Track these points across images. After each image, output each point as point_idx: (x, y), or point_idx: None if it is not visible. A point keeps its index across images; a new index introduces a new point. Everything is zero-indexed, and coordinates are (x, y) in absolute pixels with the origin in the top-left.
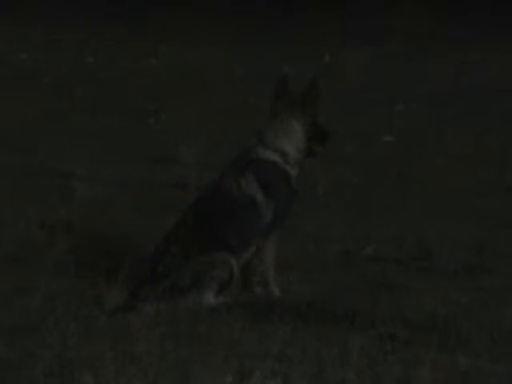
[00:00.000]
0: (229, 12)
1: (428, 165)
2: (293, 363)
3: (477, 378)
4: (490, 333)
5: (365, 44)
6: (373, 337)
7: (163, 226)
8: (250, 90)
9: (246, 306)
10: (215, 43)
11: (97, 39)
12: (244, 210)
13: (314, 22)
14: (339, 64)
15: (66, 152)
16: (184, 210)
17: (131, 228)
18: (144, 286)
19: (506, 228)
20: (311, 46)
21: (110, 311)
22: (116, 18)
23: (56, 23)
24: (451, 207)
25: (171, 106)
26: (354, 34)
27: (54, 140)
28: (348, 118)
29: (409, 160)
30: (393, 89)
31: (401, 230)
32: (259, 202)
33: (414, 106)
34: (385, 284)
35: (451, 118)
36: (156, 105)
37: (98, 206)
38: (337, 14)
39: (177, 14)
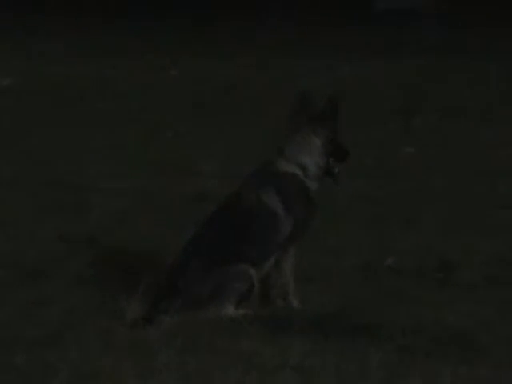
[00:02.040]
0: (250, 22)
1: (448, 177)
2: (312, 375)
3: None
4: (510, 345)
5: (385, 56)
6: (392, 349)
7: (183, 238)
8: (267, 102)
9: (265, 318)
10: (235, 55)
11: (115, 52)
12: (263, 222)
13: (332, 35)
14: (358, 76)
15: (85, 165)
16: (203, 222)
17: (151, 240)
18: (164, 298)
19: None
20: (330, 58)
21: (130, 324)
22: (135, 30)
23: (75, 36)
24: (472, 219)
25: (190, 118)
26: (373, 46)
27: (74, 153)
28: (368, 129)
29: (429, 172)
30: (413, 100)
31: (421, 242)
32: (279, 214)
33: (434, 117)
34: (405, 296)
35: (470, 129)
36: (174, 117)
37: (117, 218)
38: (356, 26)
39: (196, 26)
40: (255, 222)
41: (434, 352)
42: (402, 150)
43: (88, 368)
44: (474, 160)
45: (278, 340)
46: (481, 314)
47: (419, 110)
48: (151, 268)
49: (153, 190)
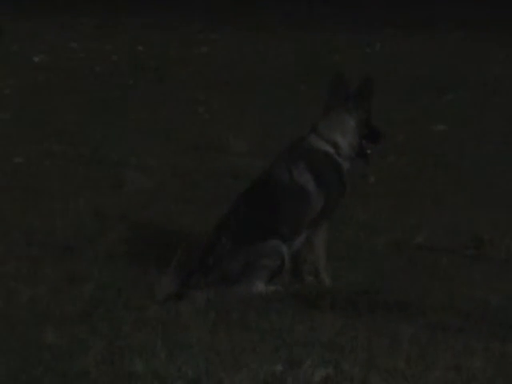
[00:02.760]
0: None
1: (480, 153)
2: (343, 352)
3: None
4: None
5: (416, 31)
6: (423, 325)
7: (214, 215)
8: (300, 78)
9: (296, 294)
10: (265, 31)
11: (147, 28)
12: (295, 198)
13: (364, 10)
14: (390, 52)
15: (117, 141)
16: (235, 198)
17: (182, 217)
18: (195, 274)
19: None
20: (362, 33)
21: (161, 300)
22: (166, 6)
23: (106, 12)
24: (502, 196)
25: (221, 95)
26: (405, 22)
27: (106, 129)
28: (399, 106)
29: (461, 149)
30: (445, 77)
31: (452, 219)
32: (310, 190)
33: (466, 94)
34: (436, 273)
35: (502, 105)
36: (206, 94)
37: (149, 195)
38: (388, 2)
39: (227, 2)
40: (287, 198)
41: (466, 328)
42: (433, 126)
43: (120, 344)
44: (506, 136)
45: (308, 317)
46: None
47: (451, 86)
48: (183, 244)
49: (185, 166)
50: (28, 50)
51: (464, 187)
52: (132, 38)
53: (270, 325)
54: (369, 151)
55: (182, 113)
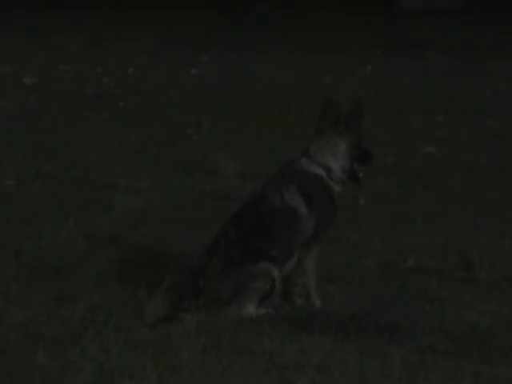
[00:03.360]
0: (268, 21)
1: (469, 176)
2: (333, 374)
3: None
4: None
5: (406, 54)
6: (413, 348)
7: (205, 236)
8: (290, 99)
9: (287, 317)
10: (255, 53)
11: (137, 50)
12: (286, 221)
13: (356, 32)
14: (381, 74)
15: (107, 163)
16: (226, 220)
17: (172, 239)
18: (185, 296)
19: None
20: (354, 55)
21: (152, 322)
22: (156, 28)
23: (97, 34)
24: (492, 218)
25: (211, 117)
26: (395, 44)
27: (96, 151)
28: (389, 128)
29: (450, 171)
30: (434, 99)
31: (442, 241)
32: (301, 213)
33: (455, 116)
34: (426, 295)
35: (491, 128)
36: (196, 115)
37: (139, 217)
38: (380, 23)
39: (217, 24)
40: (278, 221)
41: (455, 351)
42: (423, 148)
43: (109, 366)
44: (495, 158)
45: (299, 339)
46: (502, 314)
47: (441, 108)
48: (173, 266)
49: (175, 188)
50: (18, 71)
51: (453, 209)
52: (122, 61)
53: (260, 347)
54: (361, 174)
55: (171, 134)
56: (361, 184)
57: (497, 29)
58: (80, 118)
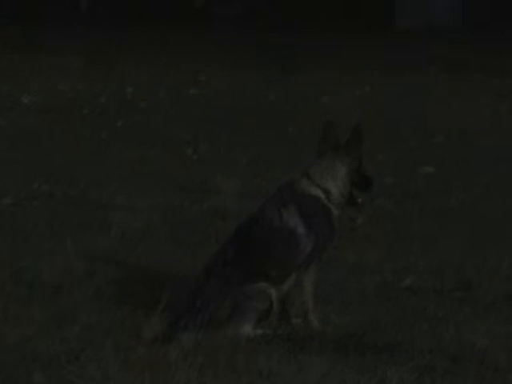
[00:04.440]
0: (266, 40)
1: (467, 196)
2: None
3: None
4: None
5: (405, 74)
6: (411, 368)
7: (203, 256)
8: (288, 119)
9: (284, 337)
10: (253, 72)
11: (136, 69)
12: (284, 241)
13: (354, 52)
14: (379, 94)
15: (105, 182)
16: (224, 240)
17: (170, 258)
18: (183, 316)
19: None
20: (352, 75)
21: (149, 341)
22: (155, 47)
23: (95, 53)
24: (490, 238)
25: (210, 136)
26: (393, 64)
27: (94, 170)
28: (387, 148)
29: (448, 191)
30: (432, 119)
31: (440, 261)
32: (300, 233)
33: (454, 136)
34: (424, 315)
35: (489, 148)
36: (194, 135)
37: (136, 236)
38: (379, 43)
39: (216, 43)
40: (276, 241)
41: (453, 371)
42: (421, 168)
43: None
44: (493, 179)
45: (296, 359)
46: (500, 333)
47: (439, 128)
48: (171, 286)
49: (173, 207)
50: (16, 91)
51: (451, 230)
52: (120, 80)
53: (257, 367)
54: (360, 200)
55: (170, 154)
56: (360, 210)
57: (495, 48)
58: (78, 136)
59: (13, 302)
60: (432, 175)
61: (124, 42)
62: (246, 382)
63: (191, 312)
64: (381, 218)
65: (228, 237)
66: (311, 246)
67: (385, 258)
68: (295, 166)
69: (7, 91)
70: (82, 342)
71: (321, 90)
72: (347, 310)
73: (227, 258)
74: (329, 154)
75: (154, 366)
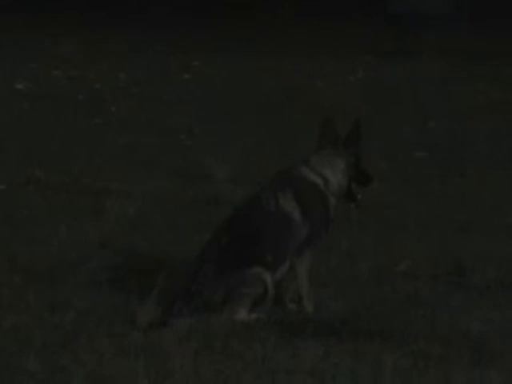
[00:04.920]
0: (261, 25)
1: (461, 181)
2: (326, 379)
3: None
4: None
5: (397, 59)
6: (406, 353)
7: (196, 242)
8: (282, 105)
9: (279, 322)
10: (247, 58)
11: (129, 55)
12: (280, 226)
13: (347, 38)
14: (372, 79)
15: (99, 168)
16: (218, 225)
17: (164, 244)
18: (177, 301)
19: None
20: (344, 61)
21: (143, 327)
22: (148, 33)
23: (89, 39)
24: (485, 223)
25: (204, 122)
26: (386, 50)
27: (88, 156)
28: (381, 133)
29: (442, 176)
30: (427, 104)
31: (434, 246)
32: (295, 218)
33: (447, 121)
34: (418, 301)
35: (484, 133)
36: (188, 120)
37: (131, 222)
38: (370, 29)
39: (209, 29)
40: (271, 226)
41: (448, 356)
42: (415, 153)
43: (102, 372)
44: (489, 163)
45: (291, 344)
46: (494, 318)
47: (433, 113)
48: (165, 272)
49: (167, 193)
50: (10, 77)
51: (446, 215)
52: (114, 66)
53: (252, 352)
54: (359, 196)
55: (163, 140)
56: (359, 205)
57: (487, 33)
58: (72, 123)
59: (7, 288)
60: (426, 160)
61: (117, 28)
62: (240, 368)
63: (186, 297)
64: (375, 204)
65: (223, 221)
66: (306, 232)
67: (379, 243)
68: (289, 150)
69: (1, 77)
70: (76, 328)
71: (314, 75)
72: (342, 296)
73: (222, 242)
74: (328, 149)
75: (148, 352)
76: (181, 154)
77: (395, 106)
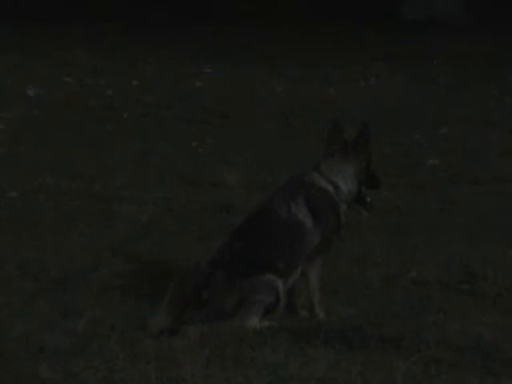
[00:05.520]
0: (274, 33)
1: (473, 188)
2: None
3: None
4: None
5: (409, 65)
6: (417, 360)
7: (208, 249)
8: (293, 112)
9: (290, 329)
10: (258, 65)
11: (141, 62)
12: (292, 232)
13: (359, 45)
14: (384, 86)
15: (111, 175)
16: (230, 232)
17: (176, 251)
18: (189, 308)
19: None
20: (356, 68)
21: (155, 334)
22: (160, 40)
23: (100, 47)
24: (496, 230)
25: (215, 129)
26: (398, 56)
27: (100, 163)
28: (393, 140)
29: (454, 183)
30: (438, 110)
31: (445, 253)
32: (307, 225)
33: (459, 128)
34: (429, 308)
35: (496, 139)
36: (200, 127)
37: (142, 229)
38: (382, 36)
39: (221, 36)
40: (283, 233)
41: (460, 363)
42: (426, 160)
43: (113, 378)
44: (499, 170)
45: (303, 352)
46: (506, 325)
47: (445, 120)
48: (176, 279)
49: (179, 200)
50: (22, 83)
51: (458, 221)
52: (126, 73)
53: (264, 360)
54: (369, 199)
55: (175, 146)
56: (369, 210)
57: (499, 39)
58: (84, 129)
59: (19, 294)
60: (437, 167)
61: (129, 35)
62: (252, 375)
63: (197, 304)
64: (387, 210)
65: (235, 229)
66: (318, 239)
67: (390, 249)
68: (300, 157)
69: (12, 84)
70: (87, 334)
71: (326, 82)
72: (353, 302)
73: (234, 250)
74: (338, 155)
75: (160, 359)
76: (193, 160)
77: (407, 112)
